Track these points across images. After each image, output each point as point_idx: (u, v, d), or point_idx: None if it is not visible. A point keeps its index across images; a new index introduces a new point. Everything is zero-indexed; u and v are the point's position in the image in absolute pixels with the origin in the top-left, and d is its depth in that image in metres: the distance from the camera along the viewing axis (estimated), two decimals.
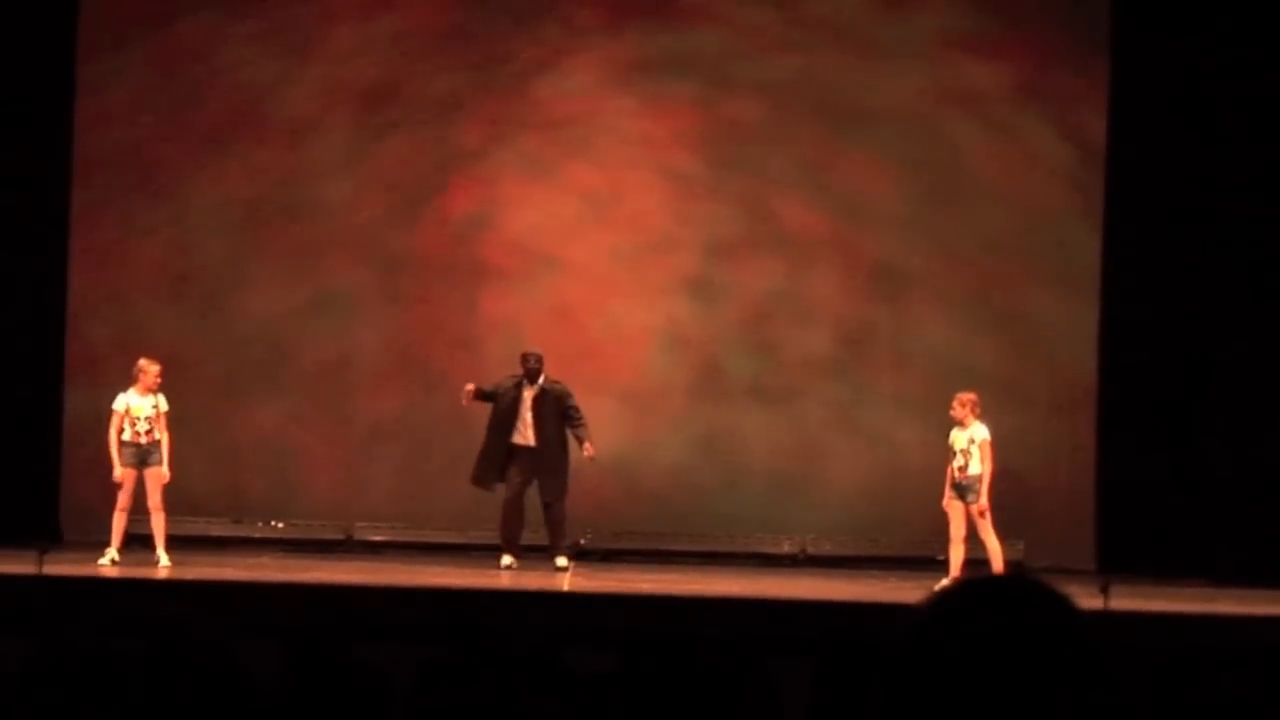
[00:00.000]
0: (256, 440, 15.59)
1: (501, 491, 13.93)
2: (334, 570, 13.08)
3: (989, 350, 15.26)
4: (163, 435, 13.19)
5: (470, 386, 13.96)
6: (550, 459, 13.82)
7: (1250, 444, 14.01)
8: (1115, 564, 14.21)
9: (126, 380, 13.26)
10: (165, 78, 15.68)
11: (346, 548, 15.16)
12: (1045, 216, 15.36)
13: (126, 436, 13.11)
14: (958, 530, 12.86)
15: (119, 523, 13.08)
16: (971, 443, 12.82)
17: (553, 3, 15.82)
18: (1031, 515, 14.64)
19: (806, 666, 4.86)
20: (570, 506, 13.98)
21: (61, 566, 11.86)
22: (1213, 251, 14.38)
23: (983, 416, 12.96)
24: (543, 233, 15.66)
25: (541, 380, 13.90)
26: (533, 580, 13.00)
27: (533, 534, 13.99)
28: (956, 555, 12.94)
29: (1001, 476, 13.15)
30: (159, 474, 13.16)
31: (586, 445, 13.78)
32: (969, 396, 12.96)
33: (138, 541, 13.24)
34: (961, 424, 12.89)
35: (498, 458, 13.86)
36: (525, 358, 13.96)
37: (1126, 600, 10.82)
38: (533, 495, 13.94)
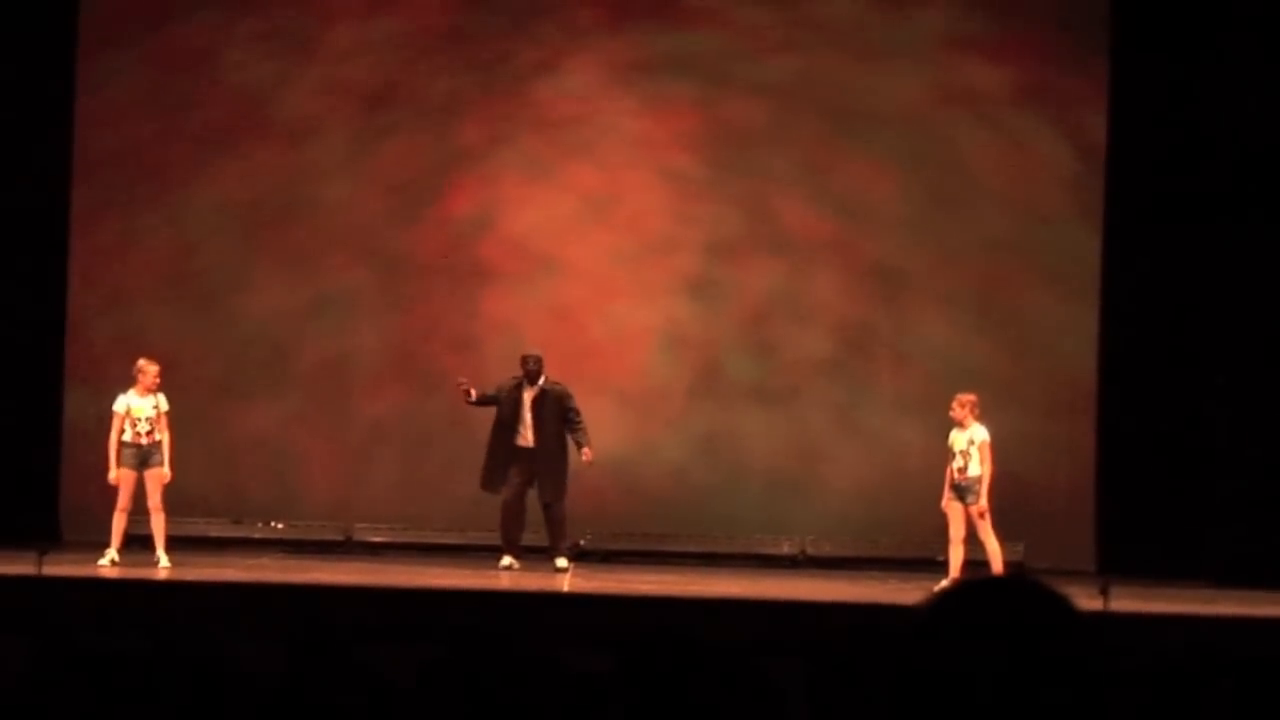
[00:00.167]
0: (256, 441, 15.59)
1: (503, 492, 13.92)
2: (334, 571, 13.08)
3: (989, 351, 15.26)
4: (164, 435, 13.19)
5: (464, 383, 13.94)
6: (549, 460, 13.82)
7: (1250, 445, 14.00)
8: (1115, 565, 14.21)
9: (127, 381, 13.27)
10: (166, 78, 15.69)
11: (346, 548, 15.16)
12: (1045, 217, 15.36)
13: (127, 437, 13.12)
14: (957, 531, 12.86)
15: (119, 523, 13.08)
16: (971, 444, 12.82)
17: (553, 3, 15.82)
18: (1031, 516, 14.63)
19: (806, 667, 4.86)
20: (570, 507, 13.98)
21: (61, 567, 11.85)
22: (1212, 252, 14.38)
23: (983, 417, 12.95)
24: (543, 233, 15.66)
25: (542, 381, 13.90)
26: (532, 581, 12.99)
27: (533, 535, 13.99)
28: (956, 556, 12.94)
29: (1001, 477, 13.14)
30: (160, 474, 13.16)
31: (585, 451, 13.78)
32: (968, 398, 12.95)
33: (137, 542, 13.25)
34: (961, 425, 12.89)
35: (504, 460, 13.86)
36: (525, 359, 13.97)
37: (1126, 601, 10.82)
38: (533, 496, 13.94)
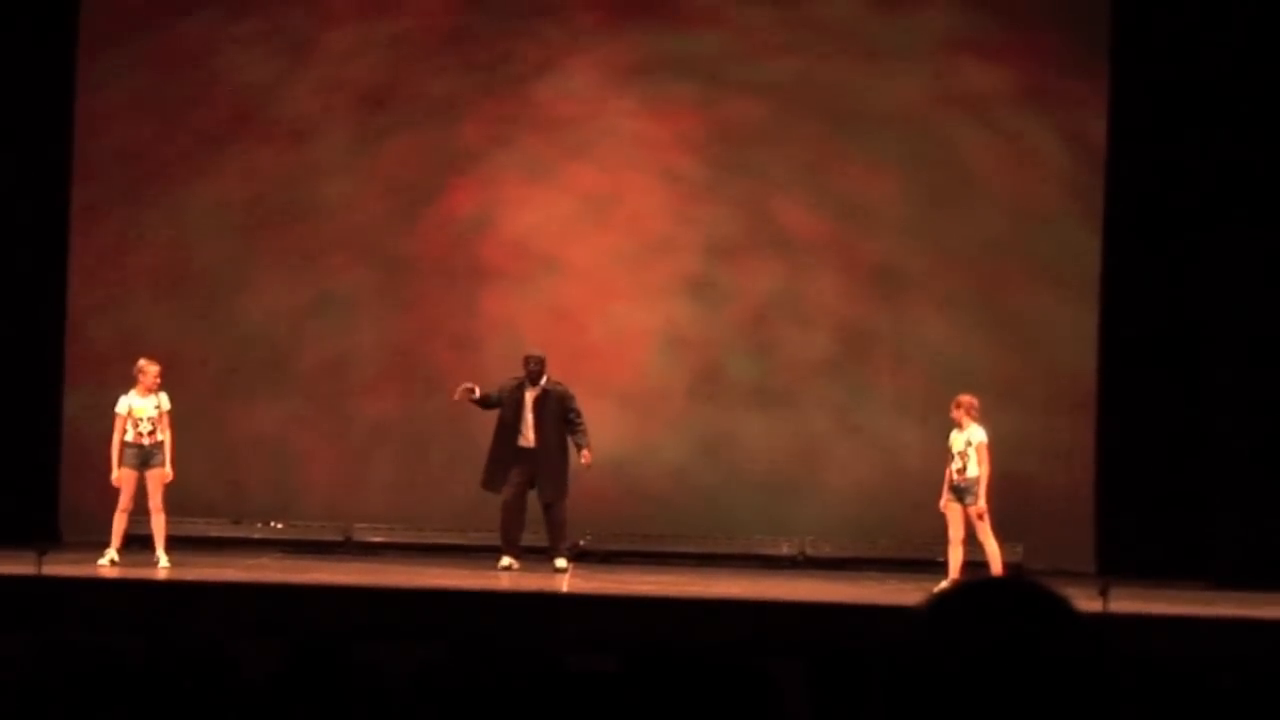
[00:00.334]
0: (256, 441, 15.59)
1: (504, 492, 13.92)
2: (333, 571, 13.08)
3: (989, 352, 15.26)
4: (165, 435, 13.19)
5: (470, 387, 13.95)
6: (550, 460, 13.82)
7: (1250, 446, 14.00)
8: (1114, 566, 14.20)
9: (126, 381, 13.27)
10: (165, 78, 15.69)
11: (346, 549, 15.16)
12: (1045, 219, 15.36)
13: (129, 438, 13.12)
14: (956, 532, 12.87)
15: (119, 523, 13.08)
16: (969, 445, 12.83)
17: (553, 4, 15.82)
18: (1031, 517, 14.63)
19: (806, 668, 4.86)
20: (570, 508, 13.98)
21: (61, 567, 11.86)
22: (1212, 253, 14.38)
23: (983, 418, 12.96)
24: (543, 234, 15.66)
25: (544, 382, 13.91)
26: (532, 582, 12.99)
27: (533, 535, 13.99)
28: (955, 557, 12.95)
29: (1000, 478, 13.14)
30: (161, 474, 13.17)
31: (584, 453, 13.78)
32: (966, 399, 12.96)
33: (137, 542, 13.25)
34: (959, 426, 12.90)
35: (506, 460, 13.86)
36: (526, 360, 13.97)
37: (1126, 603, 10.82)
38: (533, 496, 13.94)
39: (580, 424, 13.86)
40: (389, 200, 15.71)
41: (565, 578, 13.35)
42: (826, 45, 15.60)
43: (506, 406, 13.89)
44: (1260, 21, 14.23)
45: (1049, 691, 2.07)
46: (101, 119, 15.61)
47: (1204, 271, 14.45)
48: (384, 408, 15.62)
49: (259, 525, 15.43)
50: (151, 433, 13.14)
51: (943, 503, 12.94)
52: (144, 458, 13.14)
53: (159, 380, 13.20)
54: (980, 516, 12.78)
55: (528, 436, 13.85)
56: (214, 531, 15.09)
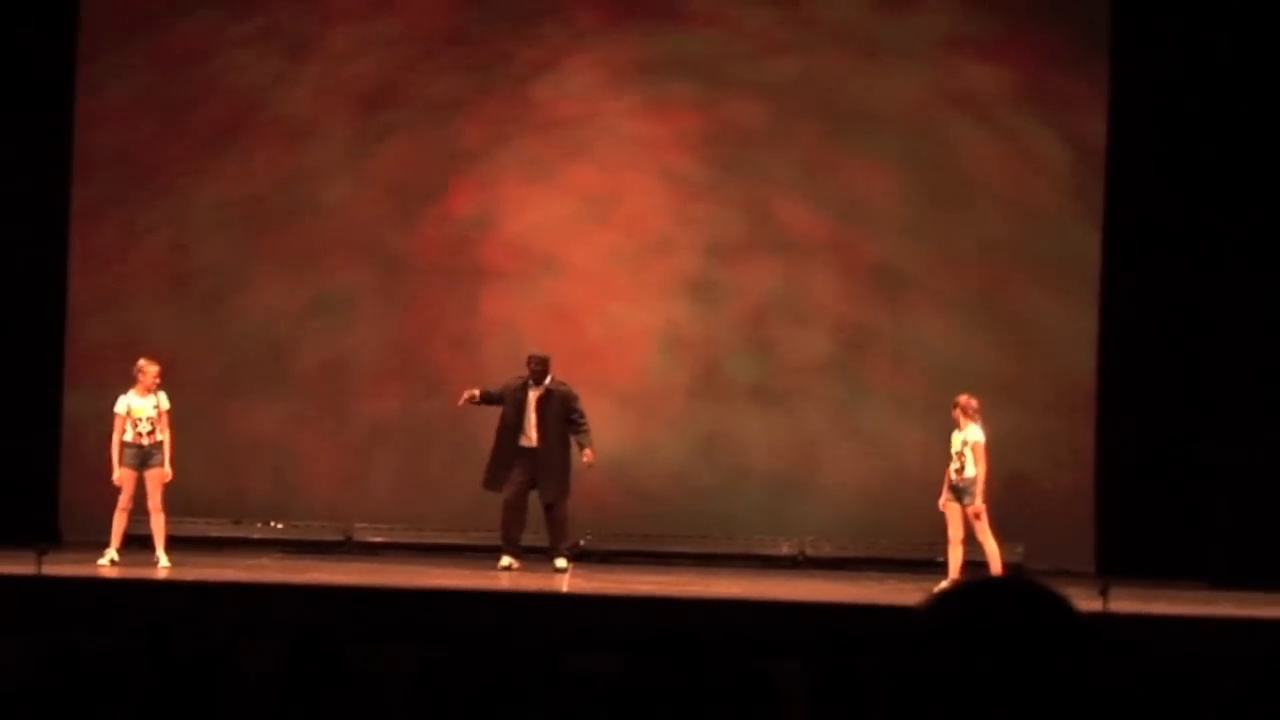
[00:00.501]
0: (256, 441, 15.59)
1: (505, 491, 13.93)
2: (333, 571, 13.08)
3: (988, 352, 15.26)
4: (164, 435, 13.19)
5: (471, 395, 13.97)
6: (551, 460, 13.81)
7: (1249, 446, 14.00)
8: (1114, 566, 14.20)
9: (126, 381, 13.27)
10: (165, 78, 15.69)
11: (346, 549, 15.16)
12: (1045, 218, 15.36)
13: (128, 437, 13.12)
14: (955, 532, 12.87)
15: (119, 523, 13.08)
16: (965, 445, 12.83)
17: (553, 4, 15.82)
18: (1031, 517, 14.63)
19: (806, 668, 4.86)
20: (570, 508, 13.99)
21: (61, 567, 11.86)
22: (1212, 253, 14.38)
23: (982, 419, 12.96)
24: (542, 234, 15.66)
25: (547, 382, 13.92)
26: (532, 582, 12.99)
27: (533, 535, 13.99)
28: (955, 557, 12.95)
29: (1001, 478, 13.14)
30: (160, 474, 13.16)
31: (586, 452, 13.79)
32: (965, 399, 12.97)
33: (137, 542, 13.24)
34: (958, 426, 12.91)
35: (507, 460, 13.86)
36: (529, 360, 13.98)
37: (1125, 603, 10.82)
38: (535, 496, 13.94)
39: (583, 424, 13.86)
40: (389, 200, 15.71)
41: (565, 578, 13.35)
42: (826, 45, 15.60)
43: (509, 406, 13.89)
44: (1260, 21, 14.23)
45: (1049, 691, 2.07)
46: (101, 119, 15.61)
47: (1204, 271, 14.45)
48: (384, 408, 15.62)
49: (259, 525, 15.43)
50: (151, 433, 13.14)
51: (942, 502, 12.94)
52: (143, 458, 13.13)
53: (158, 380, 13.20)
54: (977, 516, 12.78)
55: (530, 436, 13.86)
56: (214, 531, 15.09)
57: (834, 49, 15.59)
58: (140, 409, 13.14)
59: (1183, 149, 14.58)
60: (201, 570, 12.74)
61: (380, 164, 15.70)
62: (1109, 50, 15.14)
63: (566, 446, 13.89)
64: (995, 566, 12.94)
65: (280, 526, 15.45)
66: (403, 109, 15.70)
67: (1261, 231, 14.13)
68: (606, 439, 14.25)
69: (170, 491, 13.27)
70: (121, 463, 13.10)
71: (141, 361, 13.27)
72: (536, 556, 13.86)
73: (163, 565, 13.00)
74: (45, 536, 13.80)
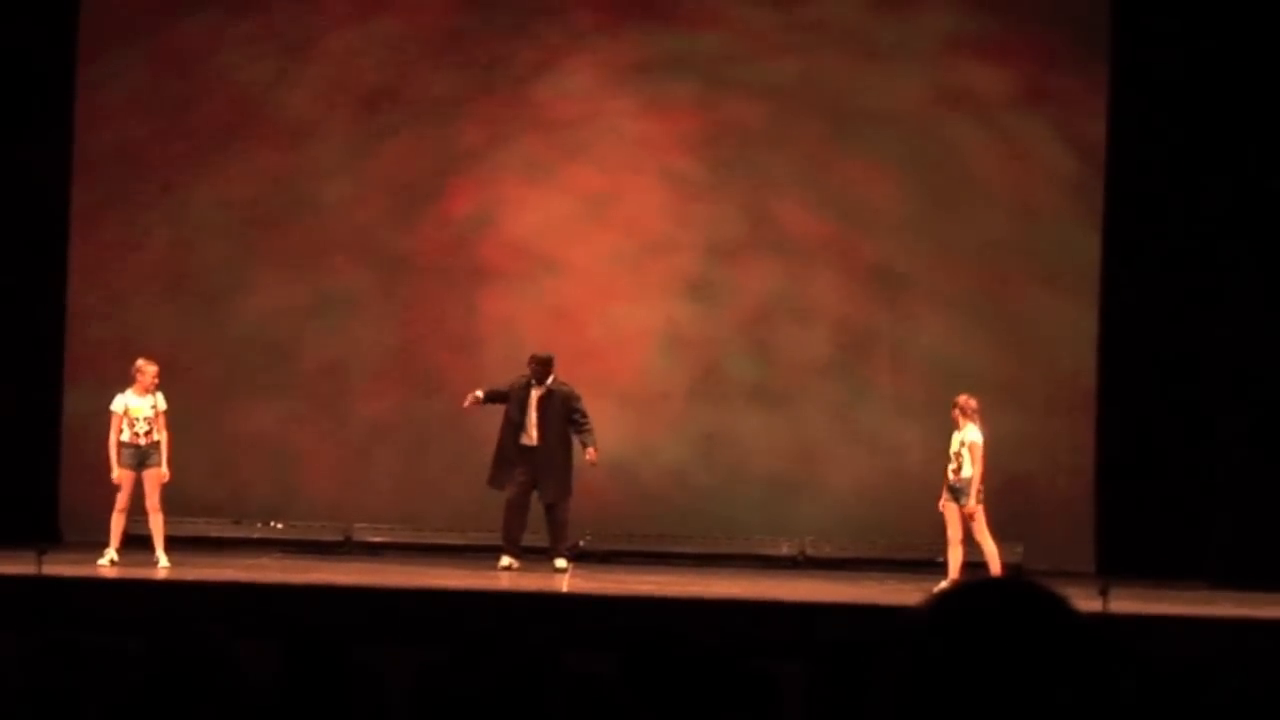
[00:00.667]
0: (256, 441, 15.59)
1: (508, 490, 13.93)
2: (333, 571, 13.08)
3: (988, 352, 15.26)
4: (162, 435, 13.19)
5: (476, 397, 13.97)
6: (551, 460, 13.82)
7: (1249, 446, 14.00)
8: (1114, 566, 14.20)
9: (126, 381, 13.27)
10: (165, 78, 15.69)
11: (346, 549, 15.16)
12: (1045, 218, 15.36)
13: (125, 437, 13.11)
14: (954, 532, 12.88)
15: (118, 523, 13.08)
16: (963, 445, 12.84)
17: (553, 4, 15.82)
18: (1031, 517, 14.64)
19: (806, 668, 4.86)
20: (570, 508, 13.99)
21: (60, 567, 11.86)
22: (1212, 253, 14.38)
23: (982, 419, 12.96)
24: (542, 234, 15.66)
25: (550, 382, 13.92)
26: (532, 582, 13.00)
27: (533, 535, 14.00)
28: (955, 557, 12.95)
29: (1000, 479, 13.14)
30: (158, 474, 13.16)
31: (590, 451, 13.80)
32: (964, 399, 12.98)
33: (137, 542, 13.24)
34: (956, 426, 12.91)
35: (510, 458, 13.88)
36: (530, 360, 13.99)
37: (1125, 603, 10.83)
38: (536, 496, 13.96)
39: (585, 424, 13.87)
40: (389, 200, 15.71)
41: (565, 578, 13.35)
42: (826, 46, 15.60)
43: (513, 404, 13.92)
44: (1259, 21, 14.22)
45: (1049, 692, 2.07)
46: (101, 119, 15.61)
47: (1204, 270, 14.45)
48: (384, 407, 15.61)
49: (259, 525, 15.43)
50: (148, 433, 13.14)
51: (941, 503, 12.95)
52: (141, 458, 13.13)
53: (157, 380, 13.20)
54: (971, 517, 12.78)
55: (531, 435, 13.88)
56: (214, 531, 15.10)
57: (834, 49, 15.59)
58: (138, 409, 13.13)
59: (1183, 149, 14.57)
60: (201, 570, 12.74)
61: (380, 164, 15.70)
62: (1109, 50, 15.14)
63: (568, 446, 13.89)
64: (994, 567, 12.94)
65: (280, 526, 15.45)
66: (402, 109, 15.71)
67: (1261, 231, 14.12)
68: (606, 439, 14.25)
69: (170, 491, 13.27)
70: (119, 463, 13.10)
71: (140, 361, 13.26)
72: (536, 557, 13.87)
73: (162, 565, 13.00)
74: (45, 536, 13.81)
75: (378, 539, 15.30)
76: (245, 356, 15.64)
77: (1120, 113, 15.05)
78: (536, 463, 13.82)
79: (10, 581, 10.84)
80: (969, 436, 12.82)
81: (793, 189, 15.58)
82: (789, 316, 15.58)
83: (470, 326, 15.72)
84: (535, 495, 13.95)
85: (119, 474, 13.07)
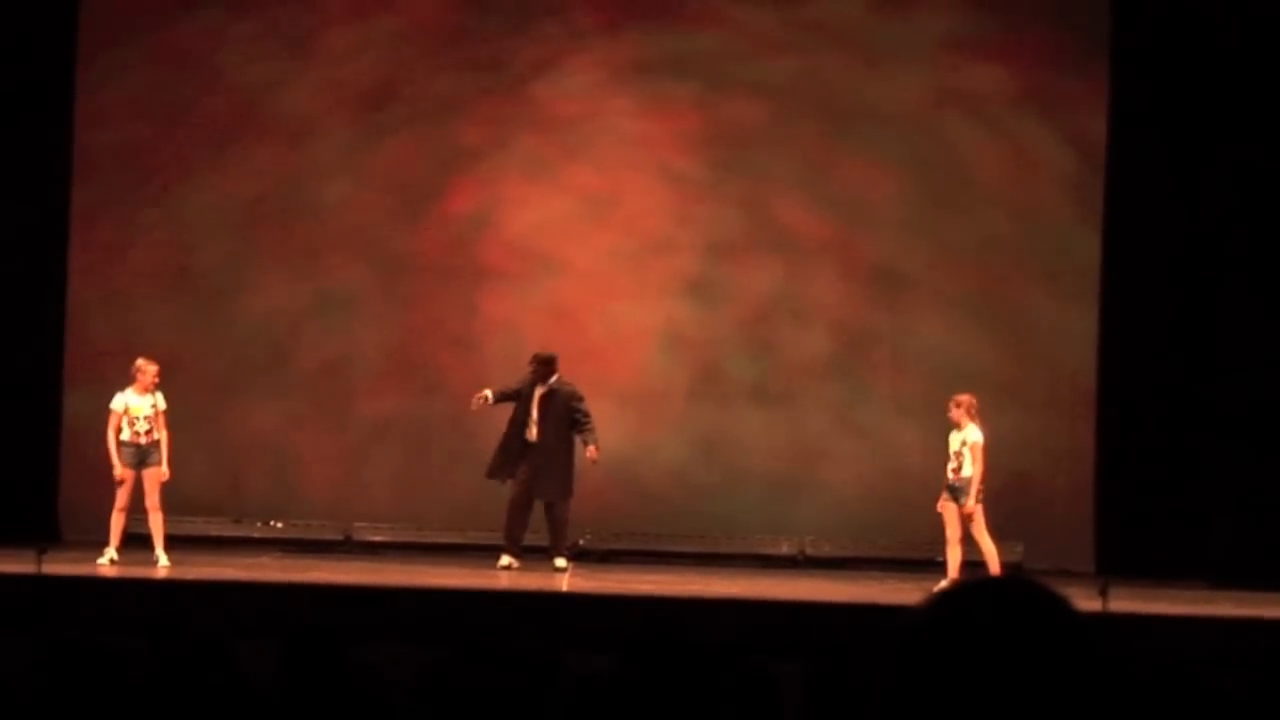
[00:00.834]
0: (256, 440, 15.59)
1: (511, 488, 13.92)
2: (333, 570, 13.08)
3: (988, 352, 15.26)
4: (161, 434, 13.19)
5: (484, 397, 13.97)
6: (549, 458, 13.83)
7: (1249, 445, 14.00)
8: (1114, 566, 14.21)
9: (126, 380, 13.27)
10: (165, 77, 15.68)
11: (345, 548, 15.16)
12: (1045, 218, 15.36)
13: (125, 436, 13.11)
14: (953, 532, 12.87)
15: (118, 522, 13.08)
16: (964, 444, 12.83)
17: (553, 3, 15.81)
18: (1030, 517, 14.64)
19: (805, 668, 4.86)
20: (571, 508, 13.99)
21: (60, 566, 11.86)
22: (1212, 253, 14.39)
23: (982, 418, 12.96)
24: (542, 233, 15.66)
25: (553, 381, 13.93)
26: (531, 581, 13.00)
27: (533, 534, 14.00)
28: (954, 557, 12.95)
29: (1000, 478, 13.14)
30: (157, 473, 13.16)
31: (591, 449, 13.79)
32: (965, 398, 12.97)
33: (136, 541, 13.23)
34: (957, 425, 12.90)
35: (513, 453, 13.89)
36: (532, 359, 14.00)
37: (1125, 602, 10.83)
38: None
39: (587, 423, 13.87)
40: (388, 199, 15.71)
41: (565, 577, 13.35)
42: (826, 45, 15.60)
43: (520, 400, 13.95)
44: (1259, 20, 14.22)
45: (1049, 691, 2.07)
46: (101, 118, 15.60)
47: (1204, 271, 14.45)
48: (384, 407, 15.61)
49: (259, 524, 15.43)
50: (148, 432, 13.14)
51: (940, 503, 12.94)
52: (141, 457, 13.13)
53: (157, 380, 13.20)
54: (969, 516, 12.78)
55: (533, 431, 13.90)
56: (214, 530, 15.09)
57: (834, 49, 15.59)
58: (138, 408, 13.13)
59: (1183, 149, 14.57)
60: (201, 569, 12.74)
61: (380, 163, 15.69)
62: (1109, 50, 15.14)
63: (568, 446, 13.89)
64: (993, 566, 12.94)
65: (280, 525, 15.45)
66: (403, 108, 15.70)
67: (1261, 231, 14.12)
68: (606, 438, 14.24)
69: (170, 490, 13.27)
70: (120, 462, 13.09)
71: (140, 361, 13.26)
72: (536, 556, 13.86)
73: (162, 564, 13.00)
74: (45, 535, 13.81)
75: (377, 538, 15.30)
76: (245, 355, 15.64)
77: (1120, 113, 15.05)
78: (536, 461, 13.83)
79: (10, 580, 10.84)
80: (971, 436, 12.82)
81: (793, 188, 15.58)
82: (789, 316, 15.58)
83: (470, 326, 15.72)
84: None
85: (121, 471, 13.06)
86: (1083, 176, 15.27)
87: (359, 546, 15.19)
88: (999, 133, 15.47)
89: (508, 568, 13.62)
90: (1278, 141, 14.14)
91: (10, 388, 15.08)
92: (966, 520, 12.78)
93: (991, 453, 12.91)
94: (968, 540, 12.86)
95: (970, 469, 12.79)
